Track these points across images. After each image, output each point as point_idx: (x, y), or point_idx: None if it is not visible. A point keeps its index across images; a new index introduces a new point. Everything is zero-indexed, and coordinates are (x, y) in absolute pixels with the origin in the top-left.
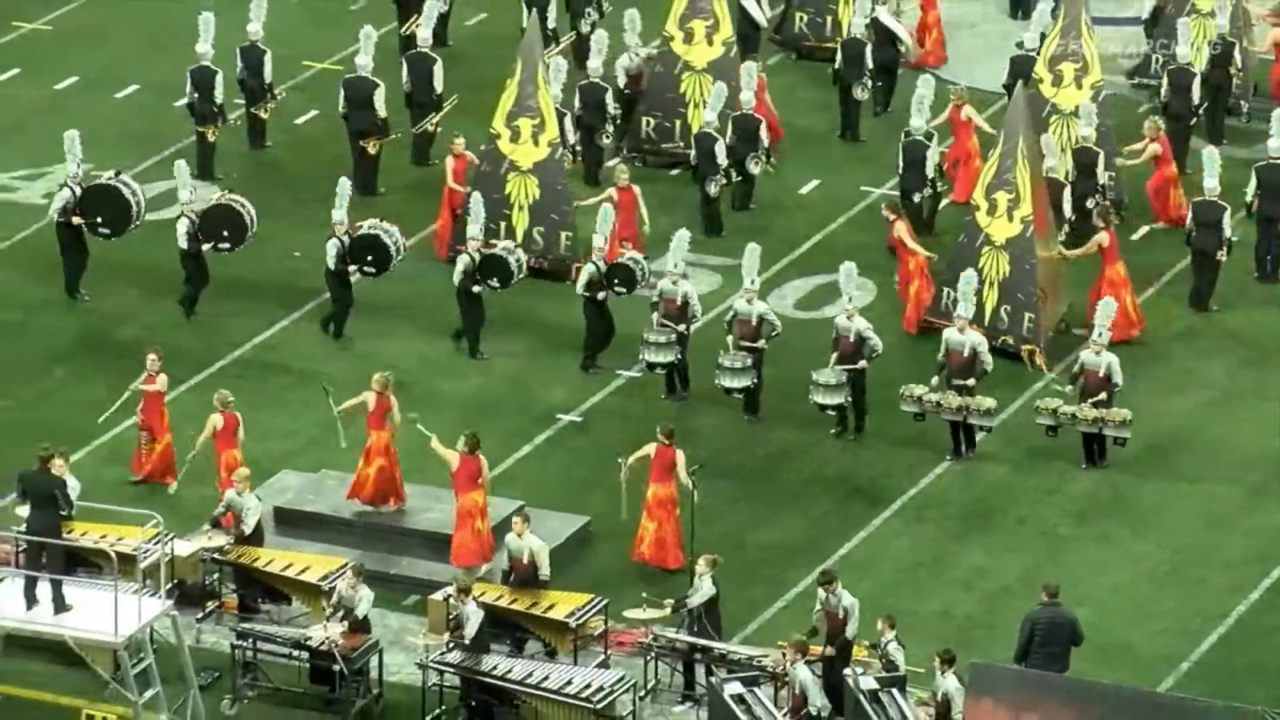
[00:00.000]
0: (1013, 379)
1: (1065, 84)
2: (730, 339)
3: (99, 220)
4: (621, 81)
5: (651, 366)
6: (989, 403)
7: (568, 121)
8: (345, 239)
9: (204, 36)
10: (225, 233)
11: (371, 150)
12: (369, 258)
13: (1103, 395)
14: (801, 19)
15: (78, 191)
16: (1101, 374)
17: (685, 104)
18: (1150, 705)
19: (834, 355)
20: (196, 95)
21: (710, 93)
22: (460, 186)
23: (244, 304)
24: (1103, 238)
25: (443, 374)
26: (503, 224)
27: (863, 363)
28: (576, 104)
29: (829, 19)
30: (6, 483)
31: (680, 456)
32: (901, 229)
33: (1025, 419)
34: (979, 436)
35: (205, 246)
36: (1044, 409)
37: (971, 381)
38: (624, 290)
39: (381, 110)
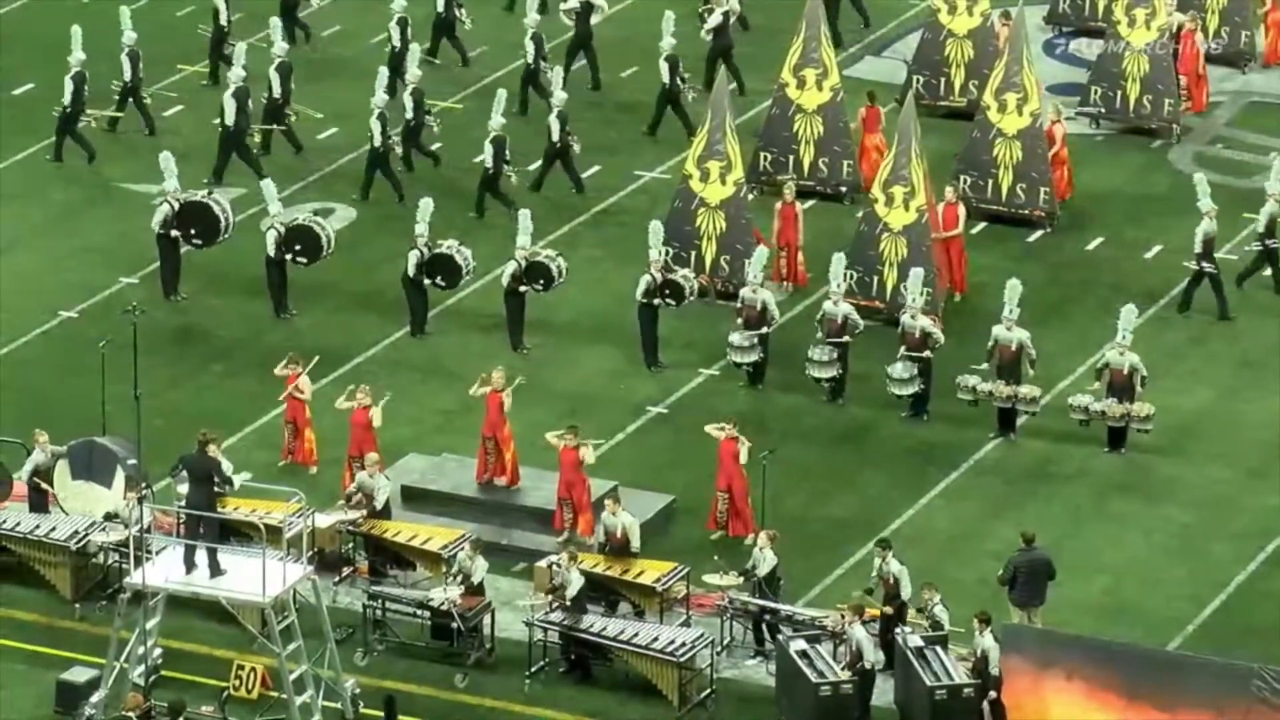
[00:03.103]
0: (1044, 371)
1: (1009, 111)
2: (819, 334)
3: (192, 232)
4: None
5: (738, 365)
6: (1034, 392)
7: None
8: (425, 250)
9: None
10: (298, 247)
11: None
12: (439, 276)
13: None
14: (918, 81)
15: (175, 206)
16: (1125, 371)
17: (798, 141)
18: (1157, 661)
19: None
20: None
21: (819, 132)
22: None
23: (378, 309)
24: (962, 212)
25: (611, 378)
26: (692, 253)
27: (927, 352)
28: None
29: (942, 80)
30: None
31: (742, 445)
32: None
33: (1056, 403)
34: (1021, 420)
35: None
36: (1076, 406)
37: (1025, 371)
38: (673, 302)
39: (487, 156)
